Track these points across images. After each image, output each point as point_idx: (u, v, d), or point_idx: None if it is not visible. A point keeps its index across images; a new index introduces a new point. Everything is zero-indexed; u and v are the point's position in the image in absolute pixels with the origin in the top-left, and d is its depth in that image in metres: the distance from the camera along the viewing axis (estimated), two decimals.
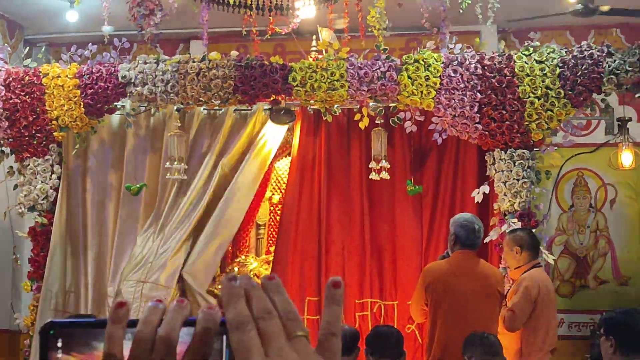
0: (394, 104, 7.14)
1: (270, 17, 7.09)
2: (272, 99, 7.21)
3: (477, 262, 6.46)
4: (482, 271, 6.39)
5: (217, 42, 9.37)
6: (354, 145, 7.77)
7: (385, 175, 7.49)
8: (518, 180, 6.78)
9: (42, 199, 7.59)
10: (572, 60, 6.76)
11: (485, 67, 6.90)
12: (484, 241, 7.03)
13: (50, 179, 7.62)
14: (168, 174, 7.51)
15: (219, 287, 8.07)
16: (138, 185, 7.69)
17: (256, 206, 8.74)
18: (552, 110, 6.75)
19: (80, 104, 7.46)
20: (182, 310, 1.18)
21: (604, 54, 6.71)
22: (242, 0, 6.58)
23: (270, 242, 9.01)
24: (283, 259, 7.85)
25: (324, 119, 7.42)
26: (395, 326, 7.02)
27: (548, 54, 6.85)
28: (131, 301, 7.01)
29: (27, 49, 8.80)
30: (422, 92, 6.91)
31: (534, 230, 6.80)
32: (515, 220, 6.75)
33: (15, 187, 7.85)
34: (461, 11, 6.88)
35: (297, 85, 7.00)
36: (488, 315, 6.25)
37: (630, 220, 9.54)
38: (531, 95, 6.79)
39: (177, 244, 7.46)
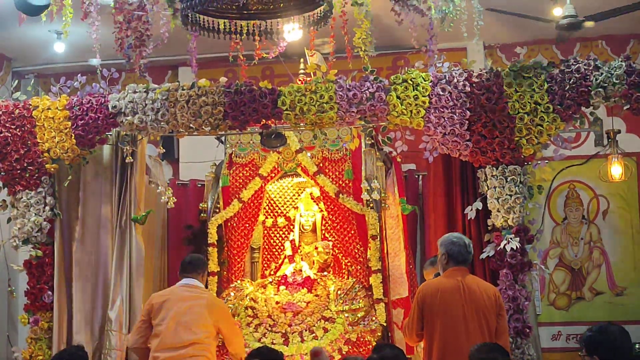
0: (384, 124, 7.14)
1: (256, 43, 7.09)
2: (262, 123, 7.21)
3: (471, 279, 6.45)
4: (477, 287, 6.38)
5: (205, 67, 9.40)
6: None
7: (376, 195, 7.53)
8: (511, 196, 6.79)
9: (37, 232, 7.57)
10: (560, 75, 6.77)
11: (474, 85, 6.91)
12: (480, 257, 7.05)
13: (43, 211, 7.60)
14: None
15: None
16: (144, 213, 7.73)
17: (250, 230, 8.73)
18: (541, 125, 6.76)
19: (72, 136, 7.45)
20: None
21: (590, 68, 6.72)
22: (232, 27, 6.60)
23: (265, 265, 8.99)
24: None
25: None
26: None
27: (535, 69, 6.87)
28: None
29: (16, 81, 8.80)
30: (411, 111, 6.92)
31: (529, 245, 6.83)
32: (512, 235, 6.76)
33: (9, 220, 7.84)
34: (450, 29, 6.87)
35: (286, 109, 7.00)
36: (483, 331, 6.23)
37: (623, 230, 9.57)
38: (520, 110, 6.80)
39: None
